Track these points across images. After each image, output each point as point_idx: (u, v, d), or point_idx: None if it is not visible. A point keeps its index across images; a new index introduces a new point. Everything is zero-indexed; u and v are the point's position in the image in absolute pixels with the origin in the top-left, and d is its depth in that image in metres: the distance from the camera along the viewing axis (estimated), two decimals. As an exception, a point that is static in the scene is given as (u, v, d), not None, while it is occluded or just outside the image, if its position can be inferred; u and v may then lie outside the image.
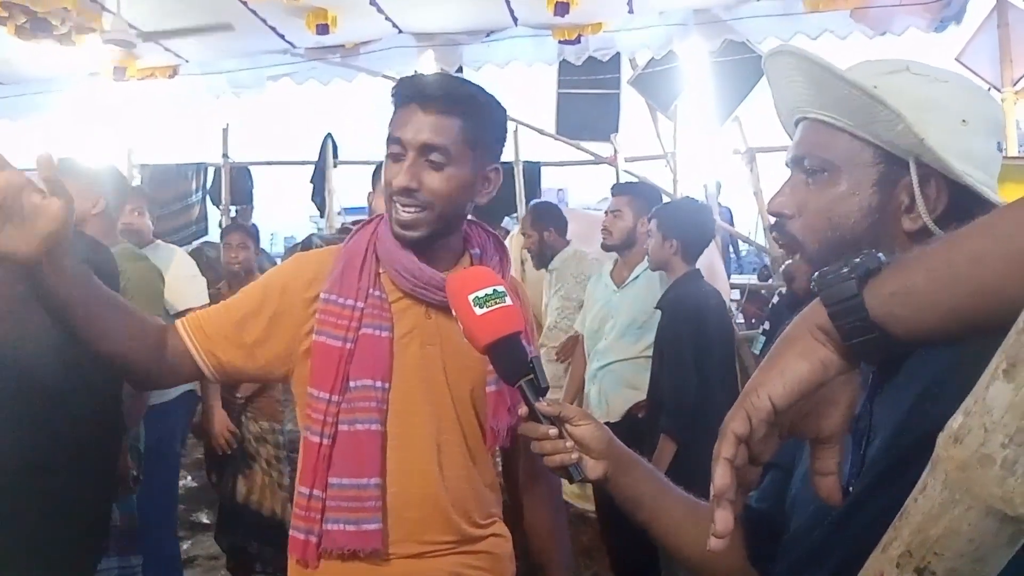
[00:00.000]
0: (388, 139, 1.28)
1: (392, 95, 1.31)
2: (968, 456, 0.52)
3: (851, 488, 0.82)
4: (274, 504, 3.25)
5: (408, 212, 1.28)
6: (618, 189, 3.48)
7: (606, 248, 3.19)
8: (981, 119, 0.83)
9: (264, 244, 7.01)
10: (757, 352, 2.95)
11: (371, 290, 1.31)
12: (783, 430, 0.70)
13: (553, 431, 0.99)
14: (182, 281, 3.09)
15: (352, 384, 1.28)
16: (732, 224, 7.82)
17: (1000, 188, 0.86)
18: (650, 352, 3.06)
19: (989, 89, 4.83)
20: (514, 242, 4.50)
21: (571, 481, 1.03)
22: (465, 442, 1.34)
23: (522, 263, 4.53)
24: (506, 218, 6.63)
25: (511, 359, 1.02)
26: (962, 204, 0.81)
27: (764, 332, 2.95)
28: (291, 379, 1.37)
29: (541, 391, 1.01)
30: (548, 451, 1.00)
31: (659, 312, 3.00)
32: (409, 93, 1.29)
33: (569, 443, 0.99)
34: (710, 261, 5.29)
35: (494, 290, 1.03)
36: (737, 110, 6.28)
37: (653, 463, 2.95)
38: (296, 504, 1.30)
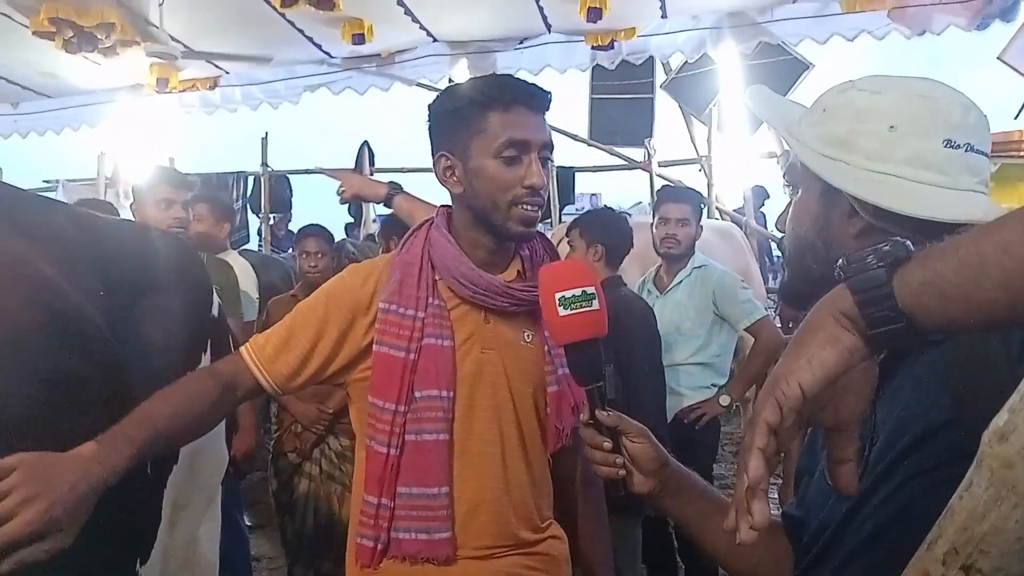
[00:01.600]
0: (503, 143, 1.27)
1: (485, 99, 1.29)
2: (1013, 453, 0.53)
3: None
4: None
5: (535, 211, 1.31)
6: (676, 195, 3.33)
7: (671, 257, 3.15)
8: (913, 122, 0.86)
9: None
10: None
11: (430, 299, 1.32)
12: (803, 423, 0.70)
13: (608, 443, 1.02)
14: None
15: (418, 395, 1.29)
16: (767, 229, 7.73)
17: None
18: (695, 359, 3.06)
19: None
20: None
21: (615, 493, 1.05)
22: (523, 445, 1.35)
23: None
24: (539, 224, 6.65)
25: (585, 363, 1.04)
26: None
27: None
28: (349, 386, 1.39)
29: (607, 401, 1.03)
30: (599, 461, 1.03)
31: (702, 318, 3.03)
32: (514, 97, 1.30)
33: (620, 459, 1.02)
34: (745, 264, 5.25)
35: (583, 292, 1.04)
36: (773, 113, 6.24)
37: None
38: (363, 513, 1.31)
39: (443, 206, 1.43)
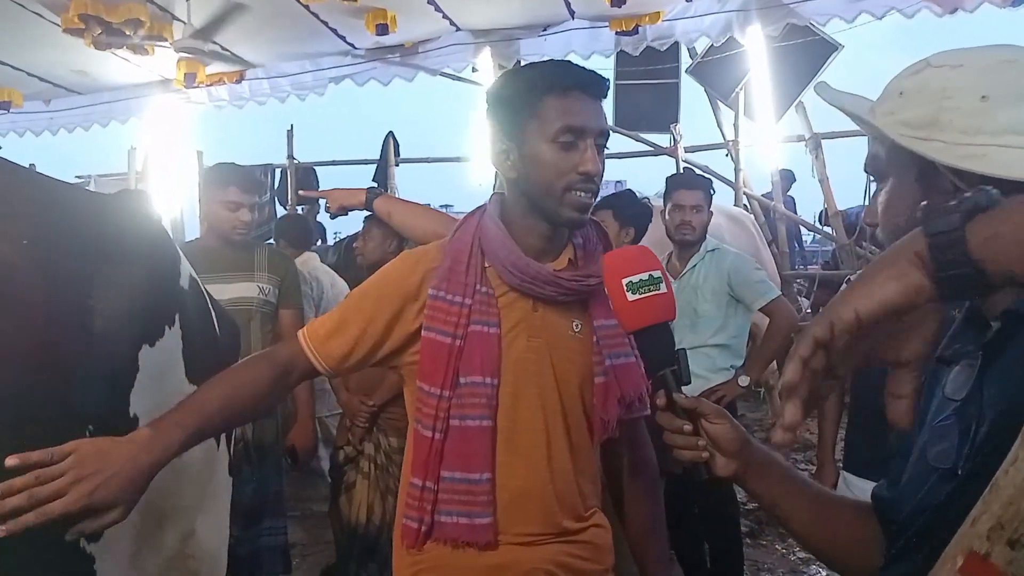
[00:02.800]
0: (559, 129, 1.26)
1: (543, 84, 1.29)
2: (1061, 426, 0.52)
3: (960, 472, 0.82)
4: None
5: (588, 198, 1.30)
6: (688, 182, 3.31)
7: (686, 243, 3.16)
8: (1004, 90, 0.84)
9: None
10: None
11: (478, 286, 1.32)
12: (863, 354, 0.71)
13: (688, 426, 1.01)
14: None
15: (462, 380, 1.29)
16: (796, 213, 7.64)
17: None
18: (713, 340, 3.08)
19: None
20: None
21: (699, 478, 1.03)
22: (568, 435, 1.34)
23: None
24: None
25: (657, 348, 1.04)
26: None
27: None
28: (401, 369, 1.40)
29: (682, 383, 1.02)
30: (680, 445, 1.02)
31: (718, 299, 3.07)
32: (573, 82, 1.29)
33: (702, 441, 1.01)
34: (755, 249, 5.23)
35: (650, 276, 1.04)
36: (802, 95, 6.15)
37: None
38: (408, 495, 1.32)
39: (496, 193, 1.43)
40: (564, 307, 1.35)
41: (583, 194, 1.28)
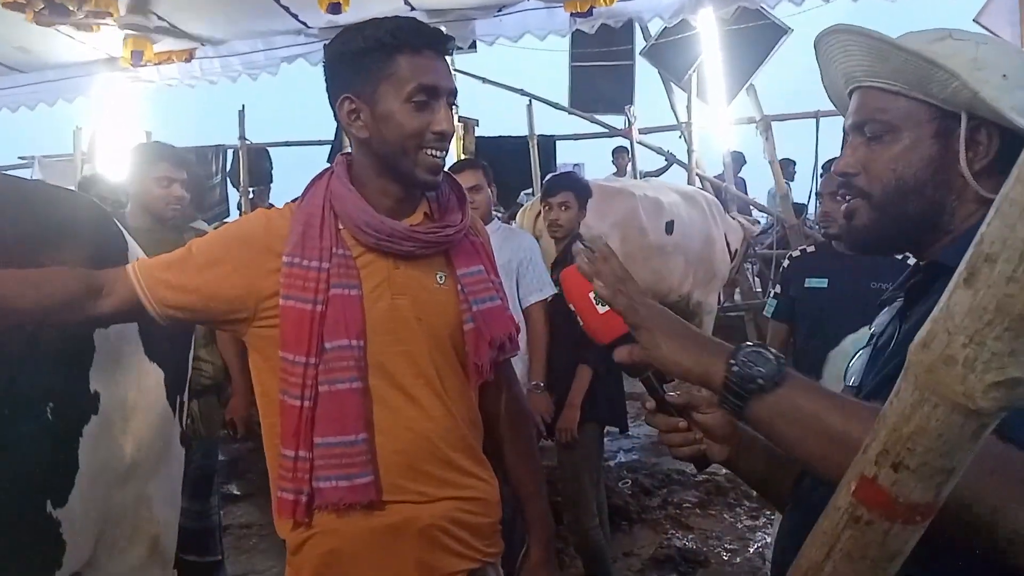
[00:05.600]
0: (414, 88, 1.26)
1: (395, 42, 1.27)
2: (934, 359, 0.58)
3: (861, 390, 0.94)
4: None
5: (441, 157, 1.31)
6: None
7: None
8: (1019, 73, 0.92)
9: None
10: (769, 315, 2.99)
11: (334, 249, 1.30)
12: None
13: (683, 423, 1.01)
14: None
15: (328, 345, 1.27)
16: (747, 195, 7.78)
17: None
18: None
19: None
20: (527, 215, 4.47)
21: (699, 469, 1.05)
22: (443, 387, 1.35)
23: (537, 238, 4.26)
24: (522, 194, 6.65)
25: None
26: (1014, 149, 0.87)
27: (775, 295, 2.98)
28: (244, 334, 1.35)
29: (665, 381, 1.01)
30: (678, 443, 1.02)
31: None
32: (424, 41, 1.29)
33: (699, 434, 1.01)
34: (709, 229, 5.31)
35: None
36: (752, 78, 6.26)
37: (574, 385, 2.94)
38: (282, 467, 1.30)
39: (343, 154, 1.41)
40: (426, 261, 1.36)
41: (436, 153, 1.30)
